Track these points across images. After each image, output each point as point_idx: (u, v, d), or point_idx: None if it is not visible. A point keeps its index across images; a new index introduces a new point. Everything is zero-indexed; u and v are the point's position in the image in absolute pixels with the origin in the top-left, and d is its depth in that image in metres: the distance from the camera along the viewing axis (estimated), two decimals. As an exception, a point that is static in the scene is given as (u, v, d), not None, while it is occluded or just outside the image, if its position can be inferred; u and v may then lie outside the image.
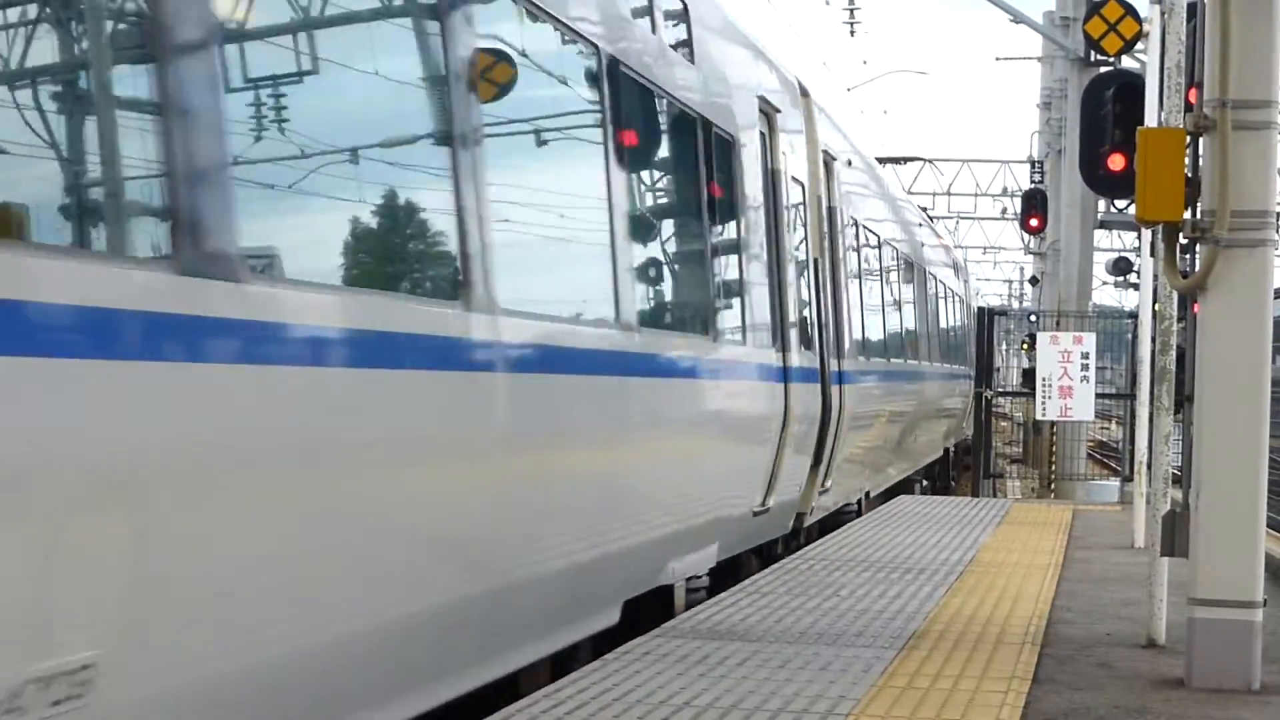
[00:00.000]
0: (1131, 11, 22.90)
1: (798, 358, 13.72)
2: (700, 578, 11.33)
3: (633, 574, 9.85)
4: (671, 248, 11.16)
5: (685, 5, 11.17)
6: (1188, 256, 8.99)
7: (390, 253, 6.93)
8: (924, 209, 40.64)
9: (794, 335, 13.68)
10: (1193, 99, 8.96)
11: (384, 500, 6.28)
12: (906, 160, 59.02)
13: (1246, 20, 8.05)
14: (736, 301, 11.96)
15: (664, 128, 10.82)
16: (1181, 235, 8.46)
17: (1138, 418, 13.97)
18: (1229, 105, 8.05)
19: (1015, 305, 77.45)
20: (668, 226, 11.12)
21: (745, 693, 7.69)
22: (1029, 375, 26.64)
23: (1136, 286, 16.51)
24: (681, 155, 11.10)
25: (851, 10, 44.86)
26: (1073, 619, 10.38)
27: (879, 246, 21.06)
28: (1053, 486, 27.12)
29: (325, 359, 5.89)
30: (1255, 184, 8.10)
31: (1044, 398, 21.84)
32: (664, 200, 11.20)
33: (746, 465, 12.26)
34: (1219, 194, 8.09)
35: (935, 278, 29.44)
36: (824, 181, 16.05)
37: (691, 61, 11.07)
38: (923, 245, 28.13)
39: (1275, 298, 8.54)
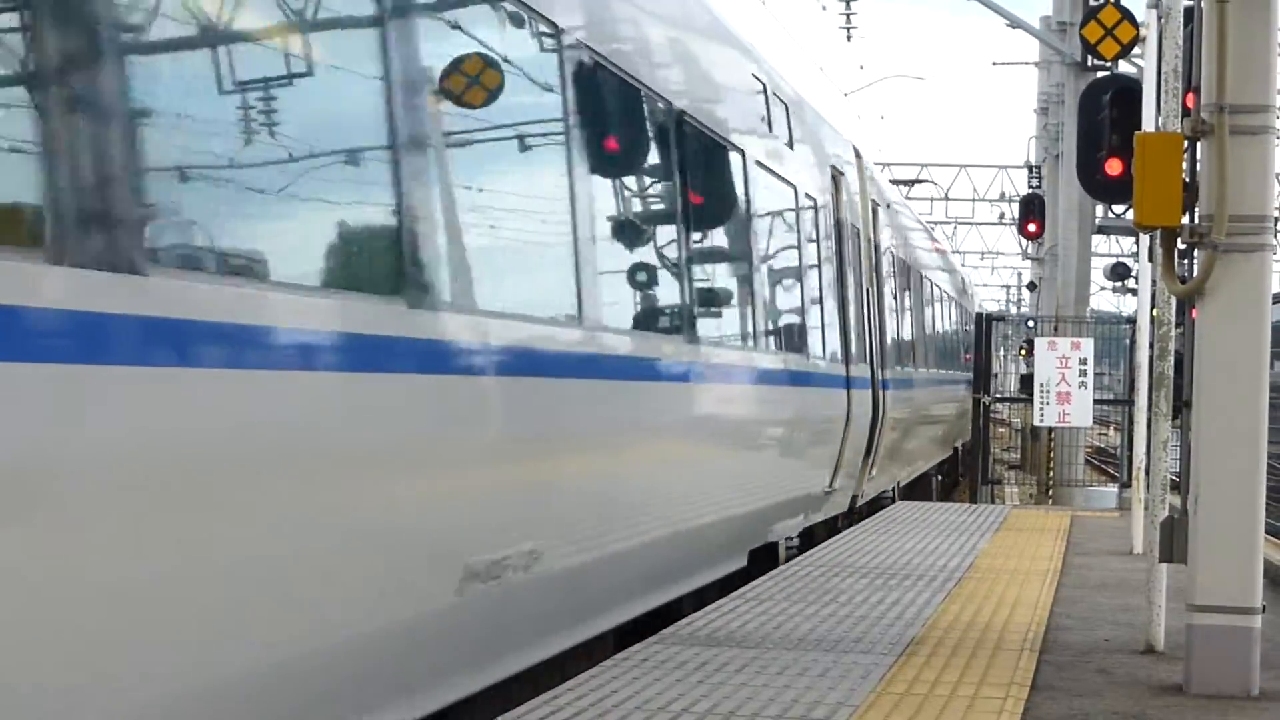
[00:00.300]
0: (1128, 16, 22.88)
1: (856, 370, 17.20)
2: (793, 539, 14.97)
3: (755, 532, 13.52)
4: (786, 290, 14.62)
5: (787, 107, 14.84)
6: (1186, 261, 8.98)
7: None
8: (931, 225, 41.30)
9: (854, 351, 17.21)
10: (1190, 104, 8.95)
11: (610, 472, 9.46)
12: (916, 183, 59.37)
13: (1243, 25, 8.04)
14: (821, 328, 15.65)
15: (779, 203, 14.22)
16: (1179, 240, 8.45)
17: (1136, 423, 13.95)
18: (1226, 110, 8.05)
19: (1013, 310, 77.56)
20: (789, 274, 14.67)
21: (743, 699, 7.68)
22: (1027, 381, 26.65)
23: (1134, 292, 16.50)
24: (792, 222, 14.71)
25: (848, 15, 44.86)
26: (1071, 625, 10.37)
27: (907, 273, 24.64)
28: (1051, 492, 27.11)
29: None
30: (1253, 189, 8.09)
31: (1042, 403, 21.83)
32: (784, 256, 14.54)
33: (821, 455, 15.69)
34: (1217, 199, 8.08)
35: (946, 295, 32.95)
36: (871, 224, 19.85)
37: (791, 148, 14.79)
38: (937, 269, 32.16)
39: (1274, 303, 8.54)
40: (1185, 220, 8.35)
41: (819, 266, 15.86)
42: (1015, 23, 29.53)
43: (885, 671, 8.47)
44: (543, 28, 8.35)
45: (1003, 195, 65.60)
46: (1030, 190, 42.95)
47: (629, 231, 10.13)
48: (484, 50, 7.81)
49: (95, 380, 4.64)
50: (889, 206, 22.98)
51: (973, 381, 27.76)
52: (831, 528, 17.19)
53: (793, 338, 14.59)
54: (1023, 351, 39.15)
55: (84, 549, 4.62)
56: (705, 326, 11.21)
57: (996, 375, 34.65)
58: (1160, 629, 9.50)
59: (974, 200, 66.49)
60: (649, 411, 10.11)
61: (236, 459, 5.32)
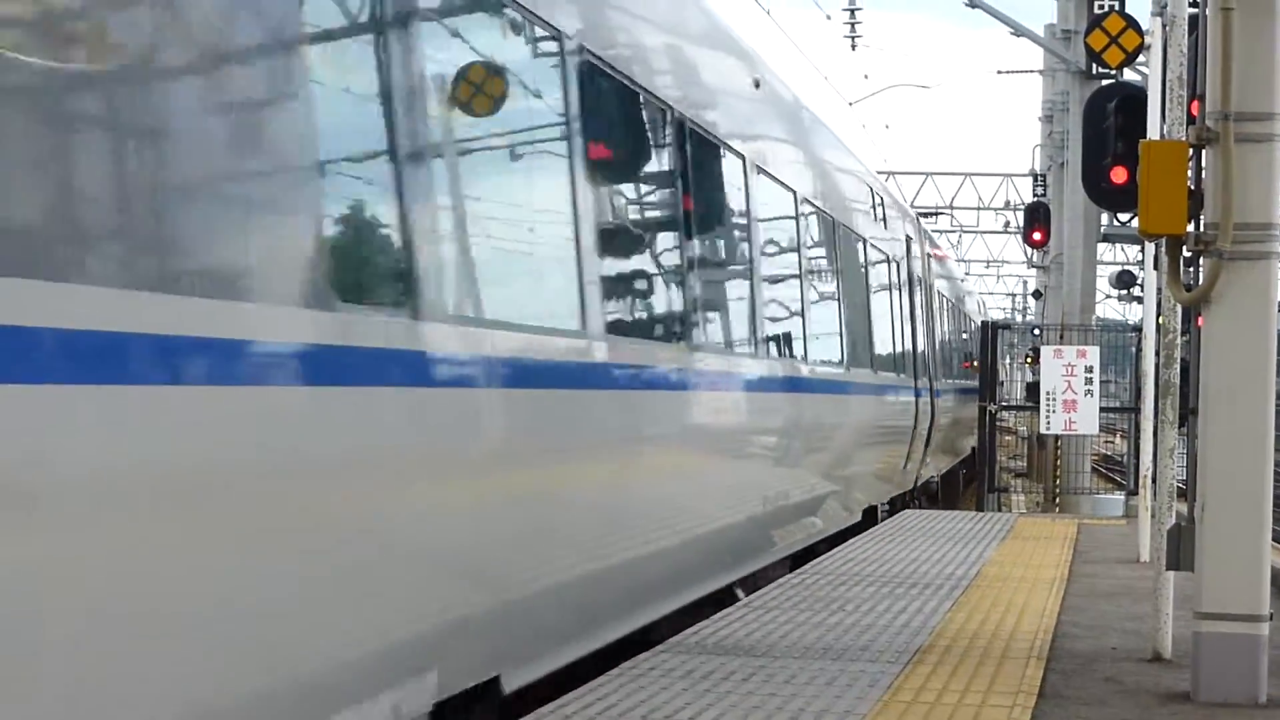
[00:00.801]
0: (1133, 24, 22.89)
1: (922, 382, 23.93)
2: (885, 505, 21.07)
3: (863, 497, 19.22)
4: (889, 326, 21.20)
5: (883, 201, 21.94)
6: (1191, 269, 8.98)
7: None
8: (938, 233, 43.31)
9: (921, 367, 24.26)
10: (1195, 111, 8.95)
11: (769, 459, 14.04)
12: (936, 213, 59.77)
13: (1248, 32, 8.04)
14: (910, 352, 23.14)
15: (887, 273, 21.57)
16: (1185, 248, 8.45)
17: (1142, 431, 13.94)
18: (1231, 118, 8.05)
19: (1019, 319, 77.51)
20: (891, 314, 21.50)
21: (750, 708, 7.68)
22: (1033, 389, 26.62)
23: (1140, 299, 16.50)
24: (884, 278, 21.34)
25: (853, 25, 44.86)
26: (1078, 633, 10.36)
27: (944, 302, 31.66)
28: (1057, 500, 27.09)
29: None
30: (1258, 196, 8.09)
31: (1048, 411, 21.82)
32: (882, 300, 21.00)
33: (900, 448, 21.81)
34: (1222, 207, 8.08)
35: (967, 316, 39.85)
36: (926, 269, 26.84)
37: (885, 226, 21.62)
38: (966, 296, 41.44)
39: (1280, 310, 8.52)
40: (1190, 228, 8.35)
41: (904, 309, 23.03)
42: (1020, 31, 29.54)
43: (892, 680, 8.47)
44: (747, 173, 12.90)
45: (1008, 203, 65.59)
46: (1035, 198, 42.86)
47: (822, 305, 16.04)
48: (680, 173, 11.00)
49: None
50: (937, 259, 31.10)
51: (979, 390, 27.74)
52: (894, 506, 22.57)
53: (893, 360, 21.30)
54: (1028, 359, 39.07)
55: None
56: (818, 353, 15.71)
57: (1002, 383, 34.61)
58: (1167, 637, 9.49)
59: (979, 208, 66.47)
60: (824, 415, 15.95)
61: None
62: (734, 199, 12.52)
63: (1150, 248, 12.71)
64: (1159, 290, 10.33)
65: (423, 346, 6.58)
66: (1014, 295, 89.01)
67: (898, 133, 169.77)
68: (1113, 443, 47.00)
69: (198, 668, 5.10)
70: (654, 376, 10.05)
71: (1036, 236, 36.11)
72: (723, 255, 12.39)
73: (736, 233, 12.64)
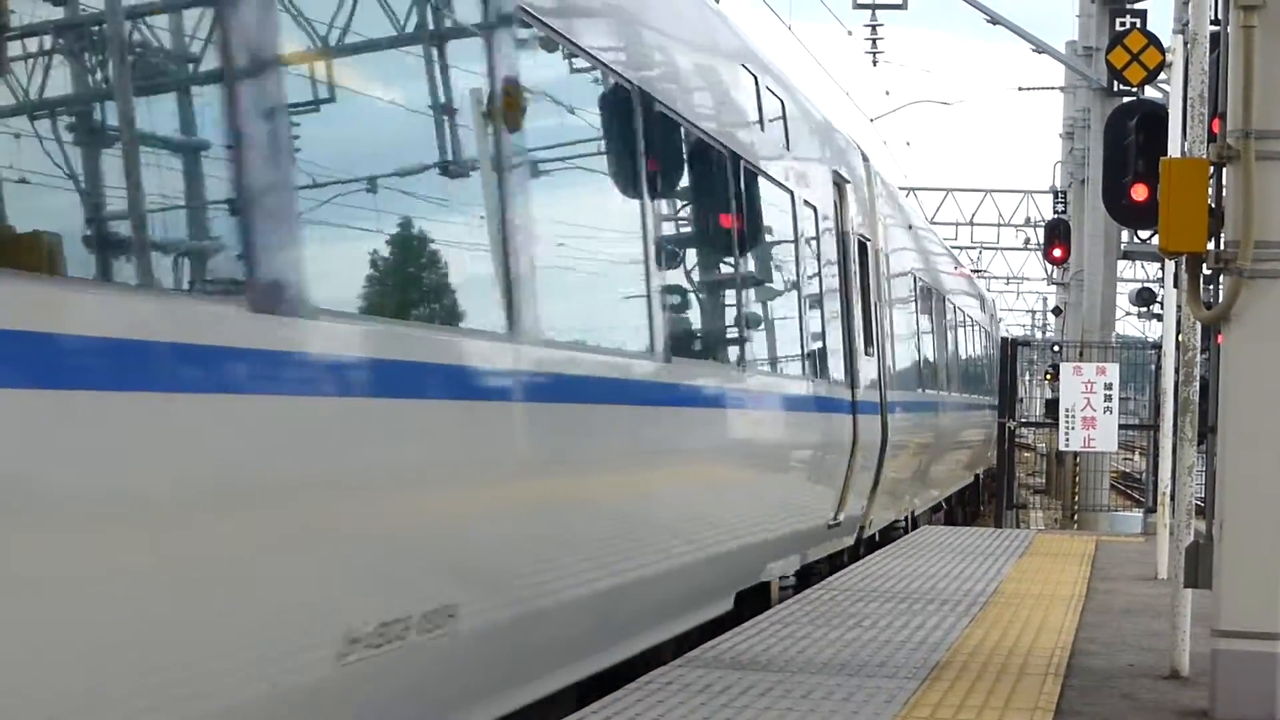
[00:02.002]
0: (1155, 41, 22.92)
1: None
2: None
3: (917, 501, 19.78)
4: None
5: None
6: (1211, 287, 8.98)
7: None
8: (956, 249, 42.47)
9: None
10: (1216, 129, 8.95)
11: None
12: (963, 248, 60.07)
13: (1270, 51, 8.04)
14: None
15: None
16: (1205, 266, 8.45)
17: (1161, 449, 13.93)
18: (1252, 135, 8.04)
19: (1039, 335, 77.40)
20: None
21: (767, 723, 7.68)
22: (1052, 406, 26.58)
23: (1160, 317, 16.48)
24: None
25: (874, 40, 44.79)
26: (1096, 650, 10.35)
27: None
28: (1076, 517, 27.05)
29: None
30: (1279, 214, 8.08)
31: (1067, 428, 21.81)
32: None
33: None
34: (1242, 225, 8.07)
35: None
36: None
37: (975, 293, 23.10)
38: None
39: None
40: (1210, 246, 8.34)
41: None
42: (1041, 48, 29.54)
43: (910, 696, 8.46)
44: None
45: (1028, 220, 65.56)
46: (1055, 215, 42.84)
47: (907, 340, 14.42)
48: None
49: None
50: (982, 298, 30.28)
51: (997, 406, 27.72)
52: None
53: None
54: (1048, 376, 39.03)
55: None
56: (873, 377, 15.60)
57: (1021, 400, 34.54)
58: (1185, 654, 9.48)
59: (999, 225, 66.43)
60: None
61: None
62: None
63: (1170, 265, 12.69)
64: (1179, 308, 10.32)
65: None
66: (1034, 312, 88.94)
67: (919, 149, 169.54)
68: (1131, 460, 46.90)
69: None
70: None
71: (1057, 253, 36.10)
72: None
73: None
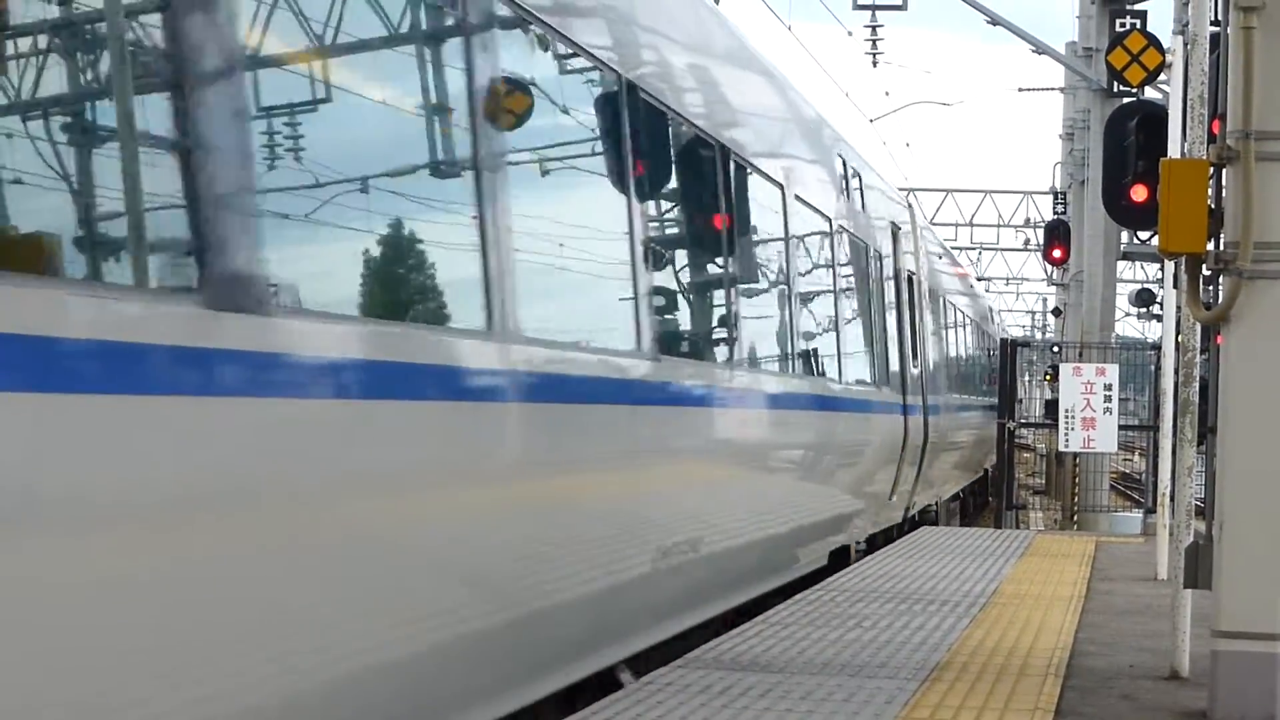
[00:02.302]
0: (1154, 42, 22.93)
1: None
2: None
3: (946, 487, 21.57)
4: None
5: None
6: (1211, 288, 8.98)
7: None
8: (956, 250, 43.03)
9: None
10: (1216, 130, 8.95)
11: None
12: (963, 249, 60.19)
13: (1270, 51, 8.04)
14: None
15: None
16: (1204, 267, 8.45)
17: (1160, 449, 13.93)
18: (1252, 136, 8.04)
19: (1038, 336, 77.42)
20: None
21: (767, 724, 7.68)
22: (1051, 406, 26.58)
23: (1159, 318, 16.49)
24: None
25: (874, 41, 44.79)
26: (1096, 651, 10.35)
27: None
28: (1075, 518, 27.05)
29: None
30: (1278, 215, 8.08)
31: (1067, 429, 21.80)
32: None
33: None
34: (1242, 225, 8.08)
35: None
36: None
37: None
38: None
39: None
40: (1210, 246, 8.34)
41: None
42: (1041, 49, 29.54)
43: (909, 697, 8.47)
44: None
45: (1028, 221, 65.61)
46: (1055, 216, 42.91)
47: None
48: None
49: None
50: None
51: (997, 407, 27.73)
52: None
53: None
54: (1048, 377, 39.05)
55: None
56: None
57: (1021, 401, 34.57)
58: (1185, 655, 9.48)
59: (999, 226, 66.48)
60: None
61: None
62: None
63: (1170, 266, 12.69)
64: (1178, 308, 10.32)
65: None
66: (1033, 313, 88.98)
67: (918, 150, 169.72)
68: (1131, 460, 46.91)
69: None
70: None
71: (1056, 254, 36.15)
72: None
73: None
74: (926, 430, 21.25)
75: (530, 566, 7.81)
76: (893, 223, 20.82)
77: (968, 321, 33.15)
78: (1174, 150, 11.66)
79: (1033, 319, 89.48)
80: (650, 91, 9.72)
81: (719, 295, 11.88)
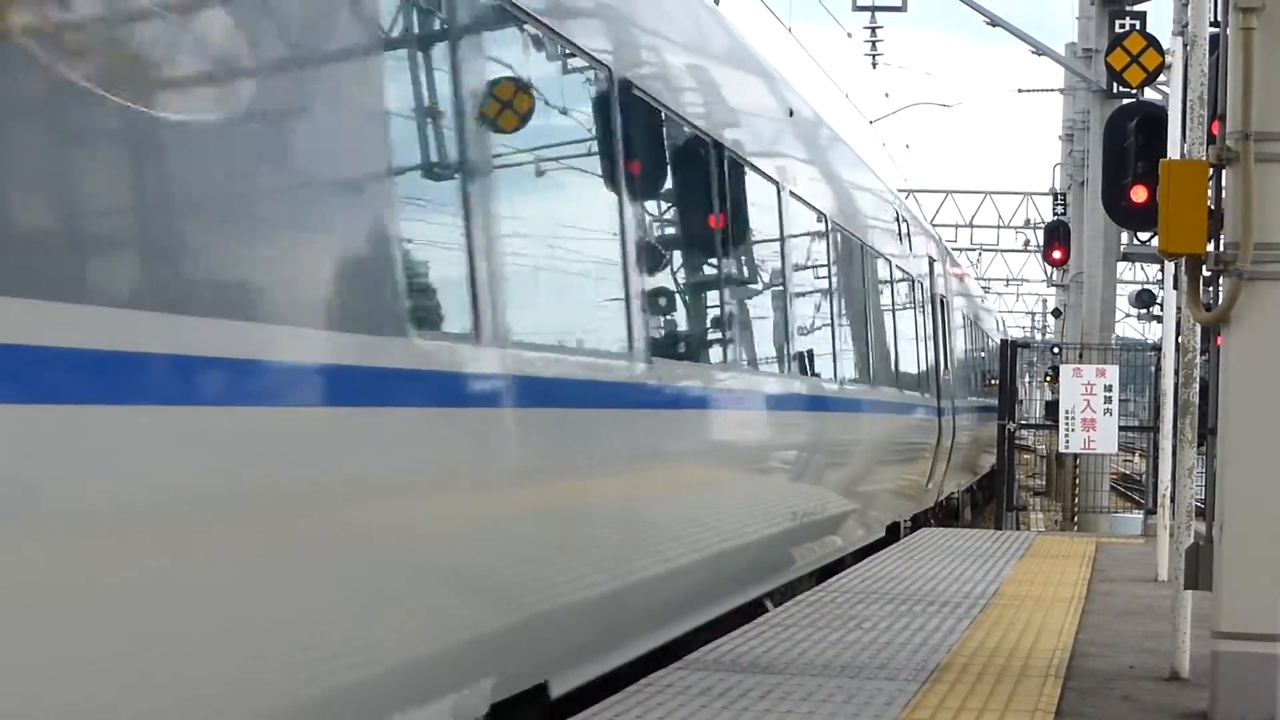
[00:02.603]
0: (1154, 43, 22.91)
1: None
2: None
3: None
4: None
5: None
6: (1211, 289, 8.97)
7: None
8: (957, 250, 44.20)
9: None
10: (1215, 131, 8.95)
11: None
12: (962, 250, 60.33)
13: (1269, 52, 8.04)
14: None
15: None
16: (1204, 268, 8.44)
17: (1161, 450, 13.93)
18: (1252, 137, 8.04)
19: (1038, 337, 77.43)
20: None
21: (767, 726, 7.68)
22: (1052, 408, 26.58)
23: (1159, 319, 16.49)
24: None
25: (874, 43, 44.75)
26: (1096, 652, 10.35)
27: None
28: (1076, 519, 27.04)
29: None
30: (1278, 216, 8.08)
31: (1067, 430, 21.81)
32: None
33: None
34: (1242, 226, 8.07)
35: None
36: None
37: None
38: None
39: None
40: (1210, 247, 8.34)
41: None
42: (1041, 50, 29.54)
43: (909, 698, 8.47)
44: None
45: (1027, 222, 65.61)
46: (1055, 217, 42.89)
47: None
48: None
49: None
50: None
51: (998, 408, 27.74)
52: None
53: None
54: (1048, 378, 39.06)
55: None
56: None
57: (1021, 402, 34.58)
58: (1185, 656, 9.48)
59: (999, 227, 66.48)
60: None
61: None
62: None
63: (1170, 267, 12.70)
64: (1178, 309, 10.32)
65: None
66: (1033, 314, 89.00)
67: (918, 151, 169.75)
68: (1131, 462, 46.93)
69: None
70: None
71: (1056, 255, 36.13)
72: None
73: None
74: (954, 429, 25.36)
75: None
76: (929, 256, 25.07)
77: (981, 333, 38.35)
78: (1174, 151, 11.66)
79: (1033, 320, 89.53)
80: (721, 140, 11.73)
81: (842, 334, 16.09)
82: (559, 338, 8.34)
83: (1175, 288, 11.74)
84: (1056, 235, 35.94)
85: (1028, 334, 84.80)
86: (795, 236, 13.96)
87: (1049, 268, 51.98)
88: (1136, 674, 9.61)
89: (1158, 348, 17.20)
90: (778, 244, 13.33)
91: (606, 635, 8.92)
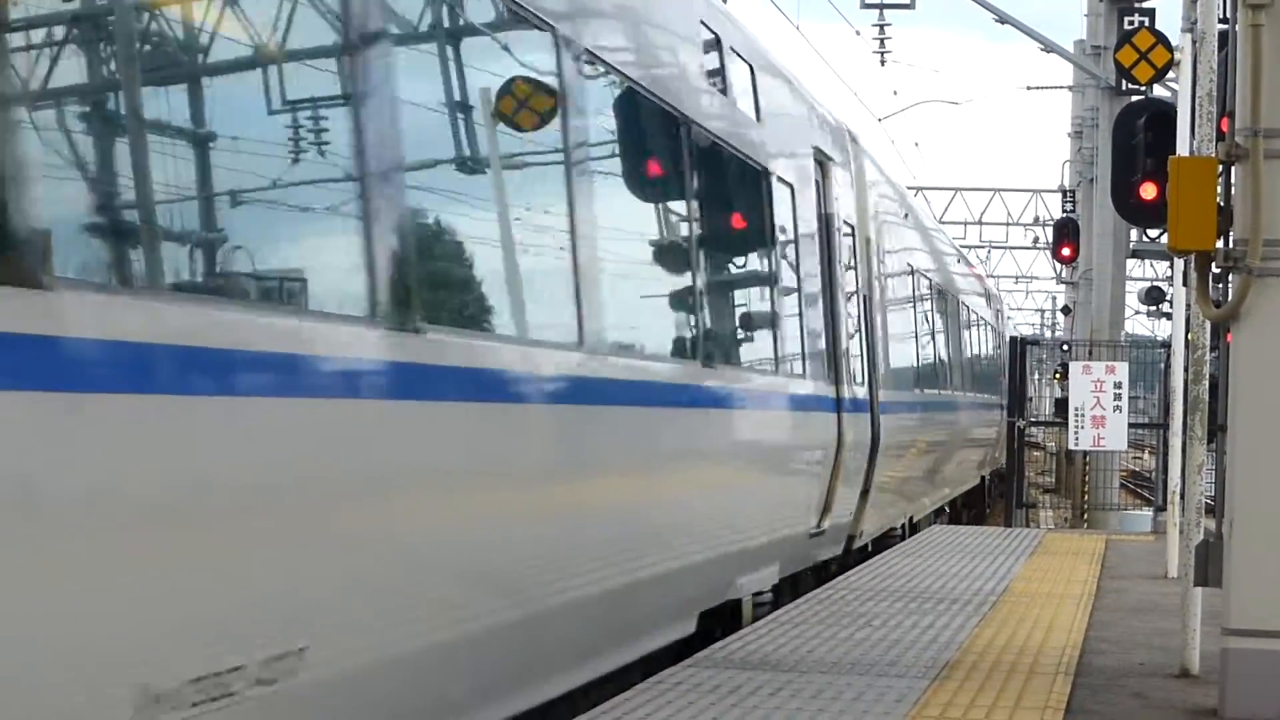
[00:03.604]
0: (1163, 40, 22.87)
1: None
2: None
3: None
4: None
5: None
6: (1220, 286, 8.96)
7: None
8: (965, 248, 43.51)
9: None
10: (1225, 128, 8.94)
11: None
12: (971, 247, 60.56)
13: (1278, 49, 8.03)
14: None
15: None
16: (1214, 264, 8.44)
17: (1170, 447, 13.93)
18: (1261, 134, 8.04)
19: (1048, 334, 77.38)
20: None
21: (777, 723, 7.69)
22: (1061, 405, 26.58)
23: (1169, 315, 16.48)
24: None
25: (882, 40, 44.77)
26: (1106, 649, 10.35)
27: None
28: (1085, 516, 27.04)
29: None
30: (1287, 213, 8.07)
31: (1076, 427, 21.81)
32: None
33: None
34: (1251, 223, 8.07)
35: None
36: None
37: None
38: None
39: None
40: (1220, 244, 8.33)
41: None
42: (1049, 47, 29.54)
43: (919, 695, 8.47)
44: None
45: (1037, 219, 65.50)
46: (1064, 214, 42.83)
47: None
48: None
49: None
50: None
51: (1007, 405, 27.75)
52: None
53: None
54: (1057, 375, 39.05)
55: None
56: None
57: (1031, 399, 34.60)
58: (1195, 653, 9.48)
59: (1008, 224, 66.39)
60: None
61: None
62: None
63: (1179, 264, 12.69)
64: (1188, 306, 10.33)
65: None
66: (1043, 311, 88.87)
67: (927, 149, 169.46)
68: (1141, 459, 46.88)
69: None
70: None
71: (1065, 252, 36.06)
72: None
73: None
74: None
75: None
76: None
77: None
78: (1183, 148, 11.65)
79: (1042, 317, 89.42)
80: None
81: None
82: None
83: (1185, 284, 11.74)
84: (1066, 232, 35.89)
85: (1037, 331, 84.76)
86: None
87: (1058, 265, 51.91)
88: (1146, 671, 9.61)
89: (1167, 344, 17.17)
90: None
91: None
